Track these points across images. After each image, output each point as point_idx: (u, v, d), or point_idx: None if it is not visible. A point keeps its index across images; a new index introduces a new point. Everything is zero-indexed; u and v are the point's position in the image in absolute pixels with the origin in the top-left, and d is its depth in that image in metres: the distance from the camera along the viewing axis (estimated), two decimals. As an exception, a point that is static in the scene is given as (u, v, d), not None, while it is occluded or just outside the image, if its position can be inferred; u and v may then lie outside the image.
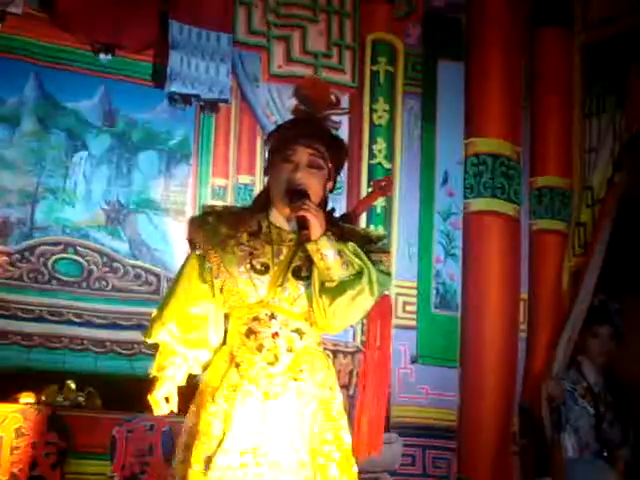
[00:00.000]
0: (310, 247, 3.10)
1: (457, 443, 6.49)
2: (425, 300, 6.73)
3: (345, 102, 6.76)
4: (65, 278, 6.61)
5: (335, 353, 6.16)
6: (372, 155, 6.66)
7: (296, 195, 3.12)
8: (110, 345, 6.54)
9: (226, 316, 3.35)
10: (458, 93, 6.66)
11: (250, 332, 3.19)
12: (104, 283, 6.71)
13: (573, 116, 6.79)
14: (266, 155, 3.38)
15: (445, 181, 6.85)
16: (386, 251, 3.35)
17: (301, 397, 3.19)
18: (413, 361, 6.67)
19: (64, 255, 6.66)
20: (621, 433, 5.94)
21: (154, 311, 3.39)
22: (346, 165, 6.47)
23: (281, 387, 3.17)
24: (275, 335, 3.19)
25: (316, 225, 3.06)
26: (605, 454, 5.87)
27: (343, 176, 6.70)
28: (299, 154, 3.17)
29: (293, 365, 3.19)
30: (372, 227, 6.54)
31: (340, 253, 3.10)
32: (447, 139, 6.80)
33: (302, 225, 3.07)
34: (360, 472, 6.05)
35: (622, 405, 6.00)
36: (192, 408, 3.27)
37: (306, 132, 3.20)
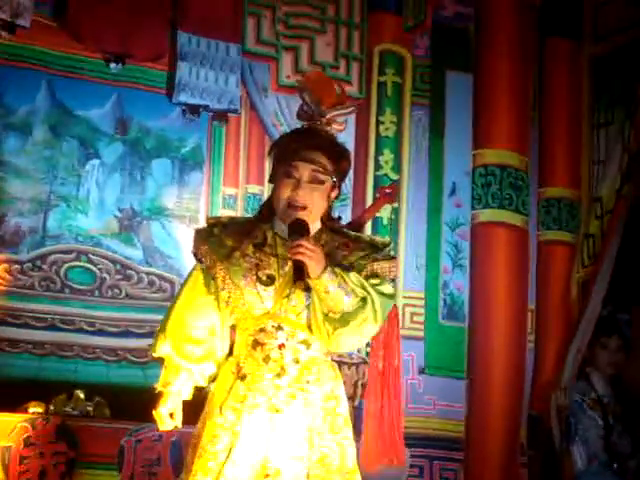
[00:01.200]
0: (312, 284, 3.10)
1: (464, 454, 6.47)
2: (433, 311, 6.72)
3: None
4: (77, 286, 6.64)
5: (340, 364, 6.11)
6: (379, 166, 6.66)
7: (294, 231, 3.12)
8: (123, 353, 6.56)
9: (232, 327, 3.35)
10: (466, 104, 6.63)
11: (256, 343, 3.19)
12: (117, 291, 6.73)
13: (582, 127, 6.77)
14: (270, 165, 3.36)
15: (453, 192, 6.84)
16: (393, 257, 3.36)
17: (308, 408, 3.18)
18: (421, 372, 6.66)
19: (76, 263, 6.69)
20: (630, 444, 5.91)
21: (159, 324, 3.39)
22: (352, 176, 6.60)
23: (288, 399, 3.16)
24: (281, 346, 3.18)
25: (313, 266, 3.06)
26: (615, 466, 5.84)
27: (349, 187, 6.72)
28: (301, 170, 3.16)
29: (300, 376, 3.19)
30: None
31: (342, 285, 3.10)
32: (455, 150, 6.79)
33: (298, 267, 3.07)
34: (368, 483, 6.03)
35: (631, 416, 5.98)
36: (201, 420, 3.27)
37: (308, 146, 3.19)
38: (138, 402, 4.67)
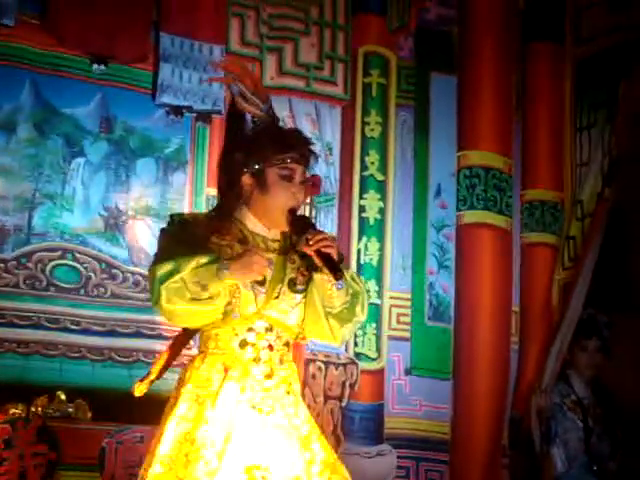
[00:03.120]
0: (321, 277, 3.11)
1: (449, 455, 6.48)
2: (419, 312, 6.72)
3: (337, 114, 6.80)
4: (63, 285, 6.59)
5: (327, 365, 6.17)
6: (364, 167, 6.66)
7: (305, 225, 3.15)
8: (108, 352, 6.52)
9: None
10: (450, 106, 6.65)
11: (245, 343, 3.17)
12: (102, 290, 6.68)
13: (564, 129, 6.78)
14: (238, 157, 3.25)
15: (438, 193, 6.84)
16: None
17: (293, 409, 3.20)
18: (407, 372, 6.66)
19: (62, 261, 6.64)
20: (610, 446, 5.93)
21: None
22: (338, 176, 6.59)
23: (277, 400, 3.18)
24: (271, 347, 3.19)
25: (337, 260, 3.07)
26: (595, 468, 5.86)
27: (335, 187, 6.71)
28: (297, 173, 3.20)
29: (286, 377, 3.22)
30: (364, 239, 6.57)
31: (345, 281, 3.13)
32: (440, 151, 6.79)
33: (328, 261, 3.05)
34: (355, 484, 6.03)
35: (611, 418, 5.99)
36: (176, 413, 3.18)
37: (296, 146, 3.22)
38: (122, 403, 4.66)
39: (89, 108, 6.87)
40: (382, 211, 6.66)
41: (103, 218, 6.81)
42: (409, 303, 6.76)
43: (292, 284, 3.19)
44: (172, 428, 3.16)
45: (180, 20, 6.32)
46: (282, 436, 3.15)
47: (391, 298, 6.66)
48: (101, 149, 6.88)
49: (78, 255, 6.67)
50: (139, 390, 3.43)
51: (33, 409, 5.68)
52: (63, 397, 5.86)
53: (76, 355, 6.49)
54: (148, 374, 3.46)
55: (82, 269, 6.64)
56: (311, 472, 3.18)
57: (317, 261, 3.07)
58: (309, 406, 5.77)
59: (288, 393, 3.21)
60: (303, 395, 3.44)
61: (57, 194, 6.71)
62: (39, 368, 6.35)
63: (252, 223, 3.24)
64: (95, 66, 6.29)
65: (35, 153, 6.68)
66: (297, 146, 3.23)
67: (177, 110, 6.48)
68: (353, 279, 3.20)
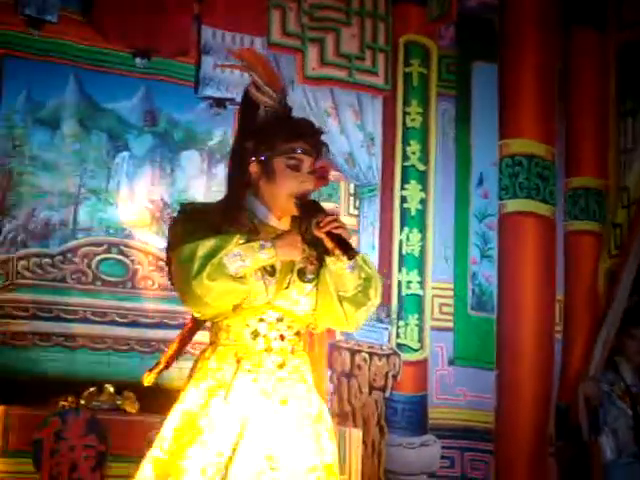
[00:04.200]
0: (333, 260, 3.11)
1: (494, 445, 6.46)
2: (462, 301, 6.72)
3: (379, 105, 6.81)
4: (109, 278, 6.63)
5: (371, 355, 6.17)
6: (406, 157, 6.65)
7: (316, 210, 3.10)
8: (157, 344, 6.55)
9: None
10: (492, 94, 6.63)
11: (257, 334, 3.15)
12: (150, 282, 6.72)
13: (608, 116, 6.74)
14: (248, 145, 3.17)
15: (480, 182, 6.83)
16: None
17: (307, 399, 3.19)
18: (450, 363, 6.66)
19: (108, 255, 6.68)
20: (660, 435, 5.89)
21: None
22: (380, 166, 6.57)
23: (290, 390, 3.14)
24: (282, 338, 3.18)
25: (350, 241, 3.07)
26: (645, 456, 5.82)
27: (377, 178, 6.71)
28: (305, 163, 3.15)
29: (298, 367, 3.19)
30: (406, 230, 6.57)
31: (356, 265, 3.11)
32: (482, 140, 6.78)
33: (340, 242, 3.03)
34: (398, 474, 6.08)
35: (661, 407, 5.95)
36: (184, 401, 3.15)
37: (306, 136, 3.17)
38: (169, 395, 4.67)
39: (132, 102, 6.90)
40: (423, 202, 6.65)
41: (149, 211, 6.85)
42: (451, 293, 6.76)
43: (301, 274, 3.16)
44: (177, 415, 3.15)
45: (221, 13, 6.35)
46: (296, 426, 3.12)
47: (433, 289, 6.66)
48: (145, 142, 6.92)
49: (124, 248, 6.71)
50: (148, 380, 3.44)
51: (82, 402, 5.73)
52: (111, 389, 5.88)
53: (124, 348, 6.53)
54: (157, 364, 3.47)
55: (129, 262, 6.68)
56: (332, 459, 3.16)
57: (328, 243, 3.07)
58: (355, 396, 5.87)
59: (301, 382, 3.18)
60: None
61: (102, 189, 6.75)
62: (86, 361, 6.39)
63: (262, 213, 3.21)
64: (138, 60, 6.34)
65: (79, 149, 6.72)
66: (306, 136, 3.18)
67: (220, 102, 6.53)
68: (365, 262, 3.17)
